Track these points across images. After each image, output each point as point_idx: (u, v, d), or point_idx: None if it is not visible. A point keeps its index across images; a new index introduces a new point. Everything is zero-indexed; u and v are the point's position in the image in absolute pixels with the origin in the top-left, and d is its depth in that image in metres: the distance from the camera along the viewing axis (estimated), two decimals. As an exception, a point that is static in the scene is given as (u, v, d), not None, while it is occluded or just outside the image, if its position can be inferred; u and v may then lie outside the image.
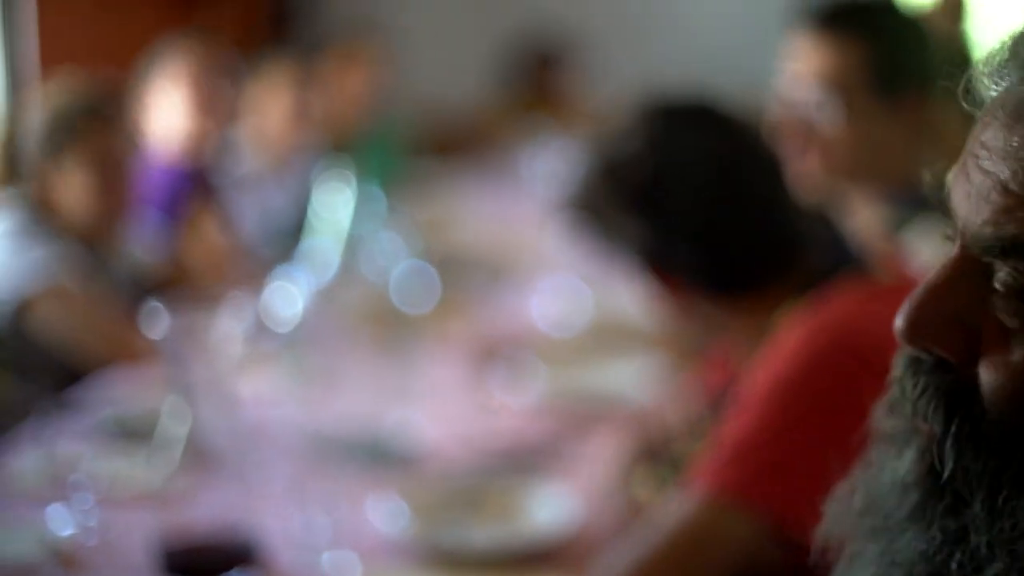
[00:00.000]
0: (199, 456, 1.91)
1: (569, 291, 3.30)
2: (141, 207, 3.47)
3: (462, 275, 3.46)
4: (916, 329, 0.82)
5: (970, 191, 0.81)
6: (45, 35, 4.80)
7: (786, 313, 1.71)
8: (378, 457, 2.23)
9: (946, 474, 0.82)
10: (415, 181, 5.51)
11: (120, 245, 3.25)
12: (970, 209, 0.81)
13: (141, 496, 2.00)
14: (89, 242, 3.08)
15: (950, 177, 0.84)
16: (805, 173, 2.15)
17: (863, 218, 2.20)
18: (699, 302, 1.83)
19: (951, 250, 0.84)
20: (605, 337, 2.99)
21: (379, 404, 2.40)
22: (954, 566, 0.82)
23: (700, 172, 1.78)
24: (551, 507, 1.99)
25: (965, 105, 0.85)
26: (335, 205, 3.23)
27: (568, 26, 7.24)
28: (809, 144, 2.20)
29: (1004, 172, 0.79)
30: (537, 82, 7.06)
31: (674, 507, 1.56)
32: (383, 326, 2.73)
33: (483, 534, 1.93)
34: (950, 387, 0.83)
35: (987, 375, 0.81)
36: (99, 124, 3.09)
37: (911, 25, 2.29)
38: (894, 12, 2.34)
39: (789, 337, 1.64)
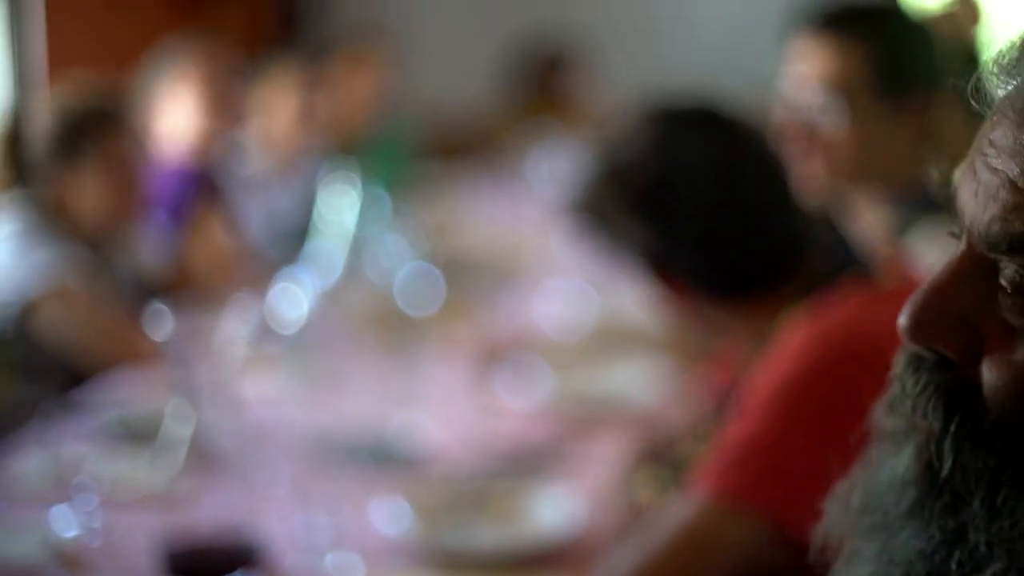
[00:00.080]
0: (203, 458, 1.91)
1: (574, 294, 3.30)
2: (148, 209, 3.48)
3: (467, 278, 3.46)
4: (920, 327, 0.82)
5: (977, 189, 0.81)
6: (52, 37, 4.80)
7: (789, 316, 1.71)
8: (382, 459, 2.23)
9: (944, 472, 0.82)
10: (421, 184, 5.51)
11: (126, 247, 3.26)
12: (977, 207, 0.81)
13: (145, 498, 2.00)
14: (94, 244, 3.09)
15: (957, 175, 0.84)
16: (809, 176, 2.15)
17: (867, 221, 2.20)
18: (703, 305, 1.83)
19: (957, 248, 0.84)
20: (609, 340, 2.99)
21: (383, 406, 2.40)
22: (953, 565, 0.82)
23: (704, 175, 1.78)
24: (555, 509, 1.99)
25: (974, 104, 0.85)
26: (340, 207, 3.23)
27: (574, 29, 7.25)
28: (812, 147, 2.19)
29: (1013, 170, 0.79)
30: (543, 85, 7.06)
31: (676, 510, 1.56)
32: (388, 328, 2.73)
33: (487, 536, 1.93)
34: (951, 385, 0.83)
35: (990, 374, 0.81)
36: (110, 126, 3.11)
37: (915, 28, 2.29)
38: (898, 15, 2.34)
39: (792, 340, 1.64)
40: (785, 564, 1.49)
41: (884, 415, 0.90)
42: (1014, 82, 0.83)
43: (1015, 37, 0.86)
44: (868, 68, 2.18)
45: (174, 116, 3.97)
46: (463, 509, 2.00)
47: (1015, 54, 0.84)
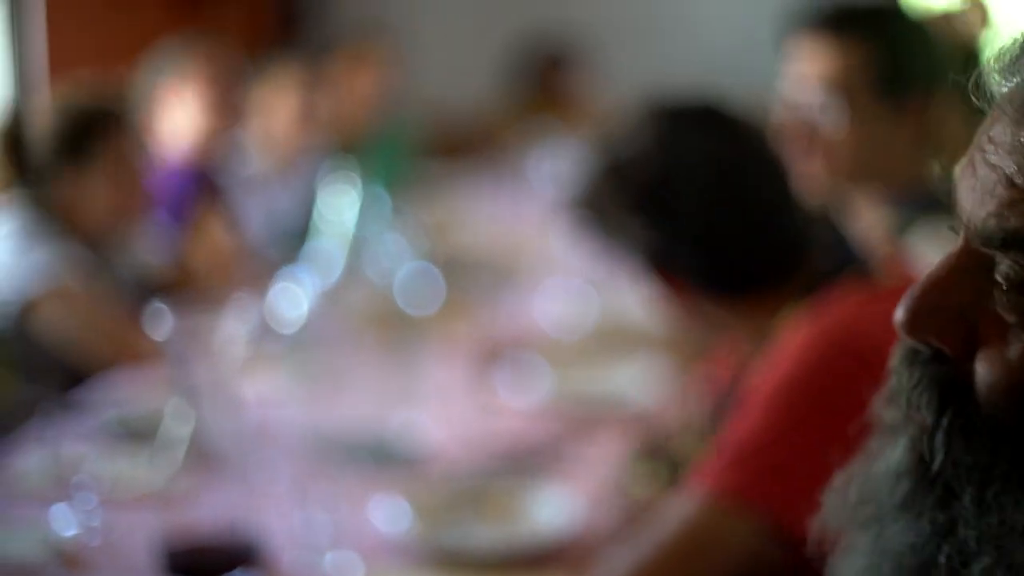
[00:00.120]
0: (202, 457, 1.90)
1: (574, 293, 3.30)
2: (150, 208, 3.48)
3: (467, 277, 3.46)
4: (916, 321, 0.83)
5: (975, 184, 0.82)
6: (52, 36, 4.81)
7: (789, 315, 1.71)
8: (381, 458, 2.23)
9: (936, 466, 0.83)
10: (422, 182, 5.51)
11: (126, 246, 3.26)
12: (975, 202, 0.81)
13: (144, 496, 2.00)
14: (94, 243, 3.09)
15: (957, 171, 0.85)
16: (808, 175, 2.15)
17: (866, 221, 2.20)
18: (703, 303, 1.83)
19: (955, 243, 0.84)
20: (609, 339, 2.99)
21: (383, 405, 2.40)
22: (942, 559, 0.82)
23: (705, 173, 1.78)
24: (554, 508, 1.99)
25: (976, 101, 0.85)
26: (340, 207, 3.23)
27: (576, 28, 7.25)
28: (812, 147, 2.19)
29: (1010, 166, 0.79)
30: (544, 84, 7.06)
31: (676, 508, 1.56)
32: (387, 328, 2.73)
33: (485, 535, 1.93)
34: (945, 380, 0.83)
35: (983, 370, 0.81)
36: (117, 126, 3.11)
37: (916, 28, 2.29)
38: (899, 15, 2.34)
39: (792, 339, 1.64)
40: (785, 563, 1.49)
41: (882, 408, 0.90)
42: (1014, 80, 0.84)
43: (1017, 35, 0.86)
44: (868, 68, 2.18)
45: (176, 115, 3.97)
46: (462, 508, 2.00)
47: (1015, 52, 0.85)
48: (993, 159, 0.81)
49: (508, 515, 2.00)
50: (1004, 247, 0.80)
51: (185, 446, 1.90)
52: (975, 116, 0.85)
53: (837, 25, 2.20)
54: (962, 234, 0.83)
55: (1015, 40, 0.86)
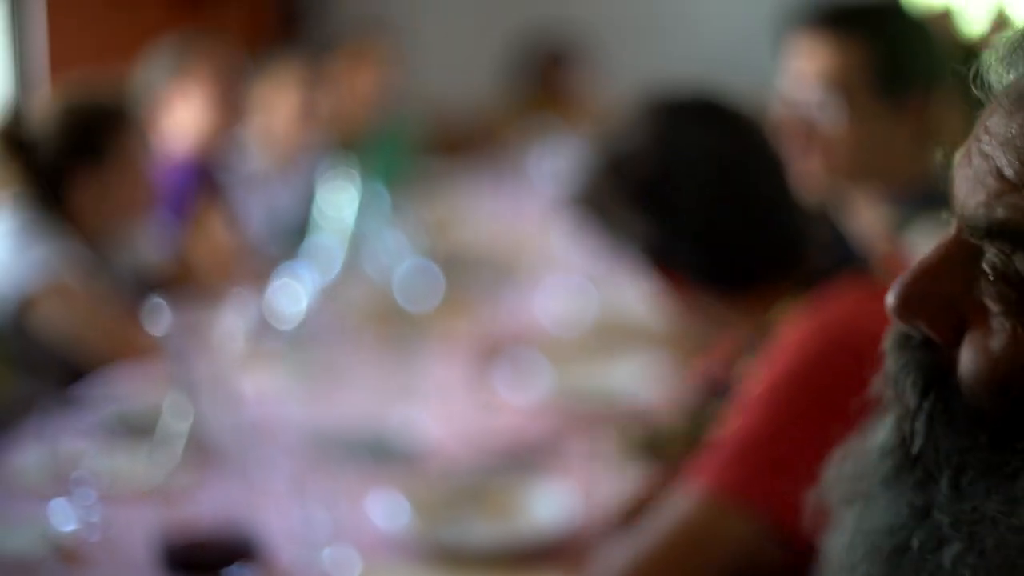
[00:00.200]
0: (201, 452, 1.91)
1: (574, 290, 3.30)
2: (153, 205, 3.48)
3: (467, 274, 3.46)
4: (907, 306, 0.84)
5: (970, 174, 0.83)
6: (53, 35, 4.81)
7: (788, 312, 1.71)
8: (380, 454, 2.23)
9: (915, 448, 0.84)
10: (423, 179, 5.52)
11: (126, 242, 3.26)
12: (967, 191, 0.82)
13: (143, 492, 2.00)
14: (94, 240, 3.09)
15: (956, 159, 0.86)
16: (807, 173, 2.15)
17: (865, 218, 2.20)
18: (702, 299, 1.83)
19: (948, 232, 0.85)
20: (610, 336, 3.00)
21: (382, 402, 2.40)
22: (915, 542, 0.83)
23: (705, 169, 1.78)
24: (552, 505, 2.00)
25: (977, 93, 0.86)
26: (340, 203, 3.23)
27: (577, 25, 7.25)
28: (811, 144, 2.19)
29: (1001, 158, 0.80)
30: (546, 81, 7.07)
31: (674, 504, 1.56)
32: (386, 324, 2.73)
33: (484, 531, 1.93)
34: (930, 365, 0.85)
35: (966, 358, 0.83)
36: (124, 124, 3.11)
37: (915, 26, 2.28)
38: (898, 13, 2.33)
39: (790, 336, 1.64)
40: (783, 560, 1.49)
41: (878, 388, 0.91)
42: (1012, 73, 0.85)
43: (1018, 28, 0.87)
44: (867, 66, 2.18)
45: (178, 112, 3.97)
46: (461, 505, 2.00)
47: (1013, 46, 0.86)
48: (987, 149, 0.82)
49: (507, 511, 2.00)
50: (989, 237, 0.81)
51: (184, 442, 1.90)
52: (975, 113, 0.86)
53: (836, 23, 2.20)
54: (954, 223, 0.84)
55: (1014, 34, 0.87)
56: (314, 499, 1.77)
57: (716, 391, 1.86)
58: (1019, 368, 0.80)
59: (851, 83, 2.17)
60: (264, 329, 2.67)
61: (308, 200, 3.81)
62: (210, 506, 1.76)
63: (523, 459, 2.24)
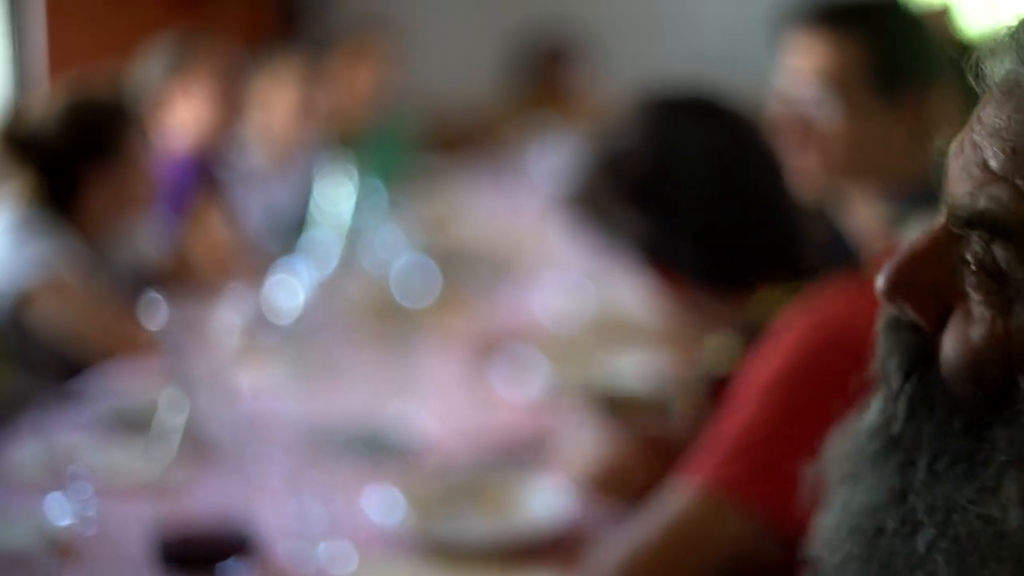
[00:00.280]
0: (197, 447, 1.91)
1: (572, 287, 3.30)
2: (153, 201, 3.49)
3: (465, 270, 3.47)
4: (895, 289, 0.85)
5: (960, 163, 0.83)
6: (53, 34, 4.81)
7: (783, 308, 1.71)
8: (376, 449, 2.23)
9: (895, 430, 0.85)
10: (422, 176, 5.52)
11: (124, 238, 3.26)
12: (957, 180, 0.83)
13: (139, 487, 2.00)
14: (92, 235, 3.09)
15: (952, 149, 0.86)
16: (804, 170, 2.14)
17: (862, 215, 2.20)
18: (698, 296, 1.83)
19: (939, 218, 0.86)
20: (607, 332, 3.00)
21: (378, 397, 2.40)
22: (891, 526, 0.84)
23: (701, 166, 1.78)
24: (548, 501, 2.00)
25: (975, 85, 0.87)
26: (337, 199, 3.23)
27: (576, 22, 7.25)
28: (808, 141, 2.19)
29: (988, 148, 0.81)
30: (544, 78, 7.07)
31: (670, 501, 1.56)
32: (383, 320, 2.74)
33: (480, 527, 1.93)
34: (915, 348, 0.85)
35: (948, 346, 0.83)
36: (128, 121, 3.11)
37: (912, 22, 2.28)
38: (895, 9, 2.33)
39: (785, 333, 1.64)
40: (778, 559, 1.49)
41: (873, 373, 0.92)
42: (1006, 65, 0.85)
43: (1012, 20, 0.87)
44: (864, 63, 2.17)
45: (179, 109, 3.97)
46: (456, 500, 2.00)
47: (1007, 37, 0.86)
48: (977, 139, 0.82)
49: (503, 507, 2.00)
50: (971, 226, 0.81)
51: (180, 437, 1.90)
52: (972, 108, 0.86)
53: (833, 19, 2.20)
54: (944, 210, 0.85)
55: (1009, 26, 0.87)
56: (310, 494, 1.77)
57: (712, 392, 1.87)
58: (995, 358, 0.80)
59: (848, 80, 2.17)
60: (261, 324, 2.67)
61: (306, 197, 3.81)
62: (206, 501, 1.76)
63: (519, 455, 2.24)
